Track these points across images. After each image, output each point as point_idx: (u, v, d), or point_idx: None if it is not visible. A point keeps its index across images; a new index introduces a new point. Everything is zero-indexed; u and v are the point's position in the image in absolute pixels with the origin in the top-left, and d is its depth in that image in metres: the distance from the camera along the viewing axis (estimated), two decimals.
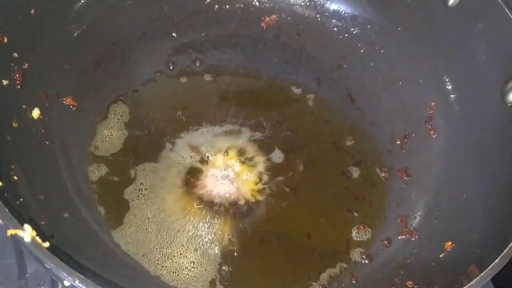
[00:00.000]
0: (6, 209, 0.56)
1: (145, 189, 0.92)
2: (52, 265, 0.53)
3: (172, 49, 1.09)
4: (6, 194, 0.65)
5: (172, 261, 0.85)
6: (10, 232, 0.55)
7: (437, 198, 0.94)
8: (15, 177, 0.73)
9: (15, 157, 0.77)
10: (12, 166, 0.74)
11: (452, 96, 1.01)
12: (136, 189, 0.91)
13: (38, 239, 0.55)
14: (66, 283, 0.53)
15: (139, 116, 1.01)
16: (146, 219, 0.89)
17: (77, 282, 0.52)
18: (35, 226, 0.56)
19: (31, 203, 0.73)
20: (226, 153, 0.98)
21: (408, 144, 1.03)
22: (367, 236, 0.93)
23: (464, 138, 0.96)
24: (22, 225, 0.56)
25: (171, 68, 1.07)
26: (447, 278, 0.77)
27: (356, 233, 0.93)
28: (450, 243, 0.83)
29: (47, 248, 0.55)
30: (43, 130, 0.87)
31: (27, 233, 0.55)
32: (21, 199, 0.70)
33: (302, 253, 0.90)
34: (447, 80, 1.02)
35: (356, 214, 0.95)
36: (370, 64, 1.12)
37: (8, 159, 0.74)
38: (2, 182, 0.66)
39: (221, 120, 1.03)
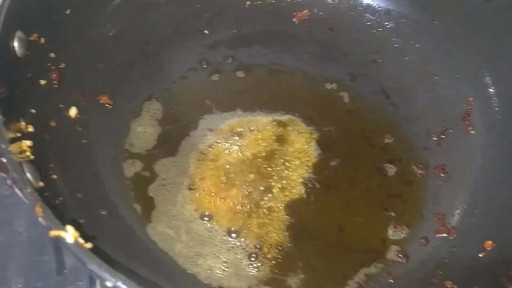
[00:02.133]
0: (49, 210, 0.57)
1: (169, 184, 0.92)
2: (96, 266, 0.53)
3: (204, 47, 1.09)
4: (46, 194, 0.66)
5: (205, 260, 0.86)
6: (53, 233, 0.55)
7: (476, 196, 0.92)
8: (54, 176, 0.75)
9: (53, 156, 0.78)
10: (51, 165, 0.76)
11: (490, 90, 0.99)
12: (161, 184, 0.92)
13: (80, 240, 0.56)
14: (109, 284, 0.54)
15: (172, 113, 1.01)
16: (173, 216, 0.89)
17: (120, 283, 0.53)
18: (77, 227, 0.57)
19: (70, 202, 0.74)
20: (258, 149, 0.98)
21: (444, 140, 1.01)
22: (403, 235, 0.91)
23: (504, 134, 0.94)
24: (64, 226, 0.56)
25: (204, 66, 1.07)
26: (488, 279, 0.75)
27: (392, 232, 0.92)
28: (490, 242, 0.82)
29: (89, 249, 0.56)
30: (80, 129, 0.88)
31: (69, 234, 0.55)
32: (61, 198, 0.72)
33: (337, 252, 0.89)
34: (486, 74, 1.00)
35: (391, 212, 0.93)
36: (405, 58, 1.10)
37: (47, 158, 0.75)
38: (42, 182, 0.67)
39: (254, 115, 1.02)
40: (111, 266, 0.54)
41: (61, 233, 0.55)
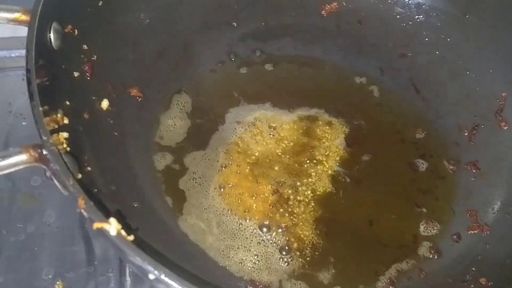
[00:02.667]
0: (91, 203, 0.56)
1: (199, 177, 0.92)
2: (139, 258, 0.53)
3: (233, 39, 1.09)
4: (83, 186, 0.66)
5: (236, 253, 0.86)
6: (96, 225, 0.55)
7: (510, 193, 0.91)
8: (89, 168, 0.74)
9: (88, 148, 0.78)
10: (86, 157, 0.75)
11: None
12: (192, 178, 0.92)
13: (123, 232, 0.56)
14: (151, 277, 0.54)
15: (201, 106, 1.01)
16: (204, 209, 0.89)
17: (163, 276, 0.53)
18: (119, 219, 0.57)
19: (105, 194, 0.74)
20: (287, 144, 0.97)
21: (476, 136, 1.00)
22: (435, 231, 0.90)
23: None
24: (107, 218, 0.56)
25: (232, 58, 1.07)
26: None
27: (423, 228, 0.91)
28: None
29: (131, 242, 0.56)
30: (112, 121, 0.88)
31: (112, 226, 0.55)
32: (95, 190, 0.71)
33: (368, 247, 0.89)
34: None
35: (423, 208, 0.92)
36: (435, 52, 1.09)
37: (82, 150, 0.75)
38: (81, 173, 0.67)
39: (284, 109, 1.02)
40: (154, 259, 0.54)
41: (105, 225, 0.55)
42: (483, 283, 0.78)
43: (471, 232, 0.89)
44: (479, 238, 0.88)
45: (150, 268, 0.53)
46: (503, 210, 0.90)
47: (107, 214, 0.57)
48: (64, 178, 0.58)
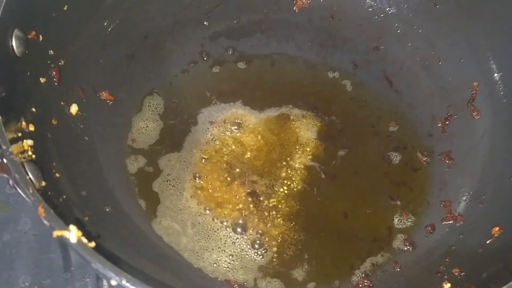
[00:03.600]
0: (52, 211, 0.56)
1: (173, 179, 0.92)
2: (99, 265, 0.53)
3: (204, 38, 1.08)
4: (49, 193, 0.65)
5: (211, 254, 0.85)
6: (56, 233, 0.55)
7: (483, 182, 0.91)
8: (57, 174, 0.74)
9: (56, 154, 0.77)
10: (54, 164, 0.75)
11: (495, 74, 0.97)
12: (166, 180, 0.92)
13: (84, 239, 0.55)
14: (113, 282, 0.54)
15: (173, 107, 1.00)
16: (179, 210, 0.89)
17: (124, 281, 0.53)
18: (80, 226, 0.57)
19: (74, 200, 0.74)
20: (261, 141, 0.97)
21: (450, 126, 1.00)
22: (409, 223, 0.91)
23: (510, 118, 0.92)
24: (68, 225, 0.56)
25: (204, 58, 1.06)
26: (496, 265, 0.74)
27: (398, 220, 0.91)
28: (497, 228, 0.81)
29: (93, 248, 0.55)
30: (82, 126, 0.87)
31: (72, 233, 0.55)
32: (64, 196, 0.71)
33: (343, 242, 0.90)
34: (491, 58, 0.98)
35: (397, 200, 0.93)
36: (408, 44, 1.09)
37: (50, 157, 0.75)
38: (45, 181, 0.66)
39: (257, 107, 1.02)
40: (115, 265, 0.54)
41: (64, 233, 0.55)
42: (456, 273, 0.78)
43: (445, 223, 0.90)
44: (453, 229, 0.89)
45: (111, 274, 0.53)
46: (477, 200, 0.90)
47: (68, 222, 0.57)
48: (23, 187, 0.58)
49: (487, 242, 0.80)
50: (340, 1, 1.13)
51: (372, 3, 1.12)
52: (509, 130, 0.92)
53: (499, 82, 0.96)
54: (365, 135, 1.01)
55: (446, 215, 0.90)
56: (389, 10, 1.12)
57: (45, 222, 0.56)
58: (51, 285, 0.86)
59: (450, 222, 0.89)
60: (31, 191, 0.58)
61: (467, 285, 0.71)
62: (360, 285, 0.83)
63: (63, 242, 0.90)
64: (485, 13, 0.98)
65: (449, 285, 0.74)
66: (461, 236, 0.86)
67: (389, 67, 1.08)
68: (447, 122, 1.00)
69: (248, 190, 0.92)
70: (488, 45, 0.98)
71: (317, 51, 1.10)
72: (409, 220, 0.91)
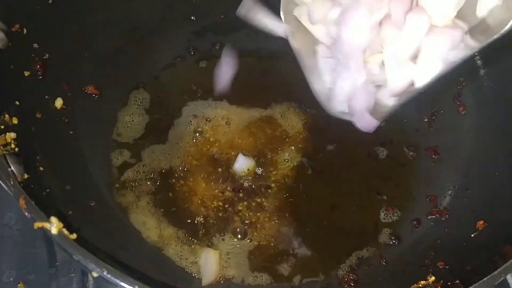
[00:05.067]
0: (33, 202, 0.56)
1: (156, 172, 0.92)
2: (80, 256, 0.53)
3: (192, 33, 1.08)
4: (32, 186, 0.65)
5: (193, 249, 0.85)
6: (37, 225, 0.55)
7: (468, 177, 0.92)
8: (41, 168, 0.74)
9: (40, 148, 0.77)
10: (38, 157, 0.75)
11: (481, 70, 0.98)
12: (149, 173, 0.92)
13: (65, 231, 0.55)
14: (95, 274, 0.53)
15: (159, 101, 1.00)
16: (160, 205, 0.89)
17: (105, 272, 0.52)
18: (62, 218, 0.56)
19: (58, 194, 0.74)
20: (247, 135, 0.97)
21: (436, 121, 1.00)
22: (395, 217, 0.91)
23: (495, 114, 0.93)
24: (49, 217, 0.56)
25: (192, 53, 1.06)
26: (480, 258, 0.75)
27: (384, 215, 0.91)
28: (482, 222, 0.81)
29: (74, 240, 0.55)
30: (66, 120, 0.87)
31: (53, 225, 0.55)
32: (48, 190, 0.71)
33: (329, 237, 0.90)
34: (475, 54, 0.98)
35: (384, 195, 0.93)
36: None
37: (33, 150, 0.74)
38: (27, 174, 0.66)
39: (243, 101, 1.01)
40: (96, 256, 0.53)
41: (45, 225, 0.54)
42: (441, 266, 0.79)
43: (430, 217, 0.90)
44: (438, 223, 0.89)
45: (92, 265, 0.53)
46: (461, 194, 0.91)
47: (49, 214, 0.56)
48: (4, 179, 0.58)
49: (472, 235, 0.81)
50: None
51: None
52: (494, 125, 0.92)
53: (484, 78, 0.97)
54: (351, 130, 1.00)
55: (431, 209, 0.91)
56: None
57: (26, 213, 0.56)
58: (36, 281, 0.85)
59: (436, 216, 0.90)
60: (12, 182, 0.57)
61: (451, 278, 0.72)
62: (346, 279, 0.83)
63: (48, 237, 0.89)
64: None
65: (433, 278, 0.74)
66: (446, 230, 0.87)
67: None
68: (434, 118, 1.01)
69: (233, 185, 0.92)
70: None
71: None
72: (395, 214, 0.91)
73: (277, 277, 0.85)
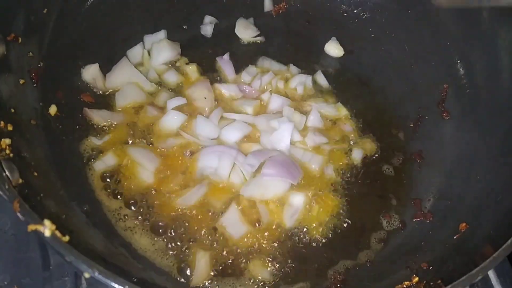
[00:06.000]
0: (26, 206, 0.58)
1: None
2: (72, 257, 0.55)
3: (183, 41, 1.10)
4: (26, 191, 0.67)
5: (181, 252, 0.86)
6: (31, 227, 0.56)
7: (451, 180, 0.94)
8: (35, 173, 0.75)
9: (34, 154, 0.79)
10: (32, 163, 0.76)
11: (463, 78, 1.00)
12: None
13: (58, 233, 0.57)
14: (87, 275, 0.55)
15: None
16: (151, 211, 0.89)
17: (96, 273, 0.54)
18: (55, 221, 0.58)
19: (52, 198, 0.75)
20: None
21: (421, 127, 1.03)
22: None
23: (478, 119, 0.96)
24: (42, 220, 0.58)
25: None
26: (461, 258, 0.77)
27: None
28: (464, 224, 0.83)
29: (67, 242, 0.57)
30: (60, 127, 0.89)
31: (47, 228, 0.57)
32: (42, 195, 0.72)
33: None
34: (458, 61, 1.02)
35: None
36: (381, 48, 1.13)
37: (28, 156, 0.76)
38: (22, 179, 0.68)
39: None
40: (88, 258, 0.55)
41: (39, 227, 0.56)
42: (424, 267, 0.81)
43: (415, 219, 0.92)
44: (422, 225, 0.91)
45: (84, 266, 0.55)
46: (445, 197, 0.93)
47: (42, 217, 0.58)
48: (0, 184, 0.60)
49: (454, 237, 0.83)
50: (316, 7, 1.17)
51: (347, 8, 1.16)
52: (476, 131, 0.95)
53: (467, 85, 1.00)
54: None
55: (416, 212, 0.93)
56: (363, 15, 1.15)
57: (20, 216, 0.58)
58: (30, 284, 0.87)
59: (420, 219, 0.92)
60: (6, 186, 0.59)
61: (434, 278, 0.74)
62: (333, 279, 0.85)
63: (42, 242, 0.91)
64: (452, 20, 1.02)
65: (417, 279, 0.76)
66: (430, 232, 0.89)
67: (363, 70, 1.11)
68: (419, 123, 1.03)
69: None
70: (456, 48, 1.02)
71: (293, 54, 1.12)
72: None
73: None
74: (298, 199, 0.90)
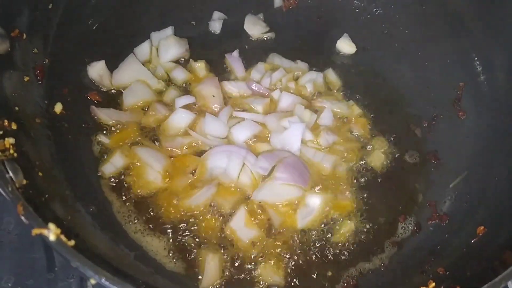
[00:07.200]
0: (30, 209, 0.56)
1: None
2: (78, 263, 0.53)
3: (191, 38, 1.07)
4: (31, 192, 0.65)
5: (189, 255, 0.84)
6: (35, 231, 0.54)
7: (468, 182, 0.92)
8: (40, 174, 0.73)
9: (39, 153, 0.77)
10: (37, 163, 0.74)
11: (481, 75, 0.98)
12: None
13: (63, 237, 0.55)
14: (93, 281, 0.53)
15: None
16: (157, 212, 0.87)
17: (103, 280, 0.52)
18: (60, 224, 0.56)
19: (57, 199, 0.73)
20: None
21: (436, 126, 1.00)
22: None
23: (495, 119, 0.93)
24: (47, 223, 0.55)
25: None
26: (480, 264, 0.75)
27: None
28: (482, 228, 0.81)
29: (72, 247, 0.55)
30: (66, 125, 0.87)
31: (51, 232, 0.55)
32: (46, 195, 0.70)
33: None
34: (476, 59, 0.99)
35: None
36: (395, 45, 1.10)
37: (32, 156, 0.74)
38: (26, 180, 0.65)
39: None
40: (94, 263, 0.53)
41: (43, 231, 0.54)
42: (441, 272, 0.79)
43: (430, 222, 0.90)
44: (438, 228, 0.89)
45: (90, 272, 0.53)
46: (461, 200, 0.90)
47: (47, 220, 0.56)
48: (2, 185, 0.58)
49: (472, 241, 0.80)
50: (327, 2, 1.14)
51: (359, 3, 1.13)
52: (493, 131, 0.93)
53: (484, 83, 0.97)
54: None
55: (431, 214, 0.91)
56: (376, 11, 1.12)
57: (24, 220, 0.56)
58: (35, 286, 0.85)
59: (436, 221, 0.90)
60: (10, 189, 0.57)
61: (451, 285, 0.71)
62: (345, 284, 0.83)
63: (46, 243, 0.89)
64: (470, 15, 0.99)
65: (433, 284, 0.74)
66: (446, 236, 0.87)
67: (376, 67, 1.08)
68: (434, 122, 1.01)
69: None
70: (473, 46, 0.99)
71: (305, 51, 1.09)
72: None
73: None
74: (314, 201, 0.88)
